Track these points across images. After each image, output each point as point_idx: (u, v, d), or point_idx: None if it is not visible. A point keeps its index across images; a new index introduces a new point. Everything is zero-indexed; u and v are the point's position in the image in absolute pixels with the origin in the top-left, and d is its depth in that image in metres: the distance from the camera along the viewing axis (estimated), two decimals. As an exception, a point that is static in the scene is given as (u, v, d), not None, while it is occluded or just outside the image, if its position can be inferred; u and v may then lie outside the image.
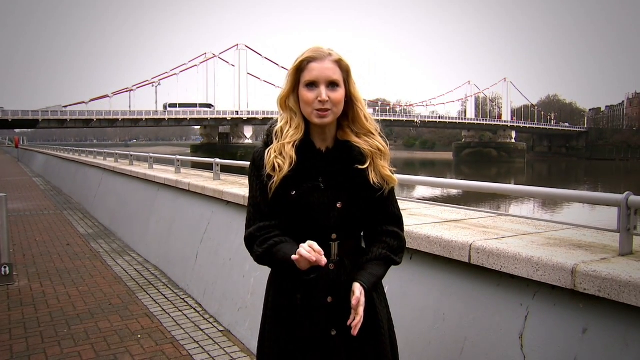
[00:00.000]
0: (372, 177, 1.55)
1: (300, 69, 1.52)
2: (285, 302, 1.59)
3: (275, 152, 1.54)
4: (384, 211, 1.63)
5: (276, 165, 1.52)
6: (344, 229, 1.56)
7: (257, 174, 1.58)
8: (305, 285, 1.54)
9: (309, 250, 1.38)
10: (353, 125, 1.58)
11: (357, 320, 1.45)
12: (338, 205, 1.53)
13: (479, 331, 2.08)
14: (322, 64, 1.50)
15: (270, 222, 1.56)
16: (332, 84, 1.50)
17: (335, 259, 1.56)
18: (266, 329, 1.65)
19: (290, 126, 1.55)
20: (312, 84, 1.50)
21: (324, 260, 1.39)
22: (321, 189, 1.54)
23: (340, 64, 1.53)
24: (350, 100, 1.56)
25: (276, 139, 1.56)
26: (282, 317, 1.59)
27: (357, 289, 1.48)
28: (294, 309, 1.56)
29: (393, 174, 1.61)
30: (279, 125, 1.57)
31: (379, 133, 1.62)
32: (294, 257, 1.40)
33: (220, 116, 75.73)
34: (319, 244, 1.52)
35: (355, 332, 1.45)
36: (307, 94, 1.50)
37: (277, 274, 1.65)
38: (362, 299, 1.47)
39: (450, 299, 2.24)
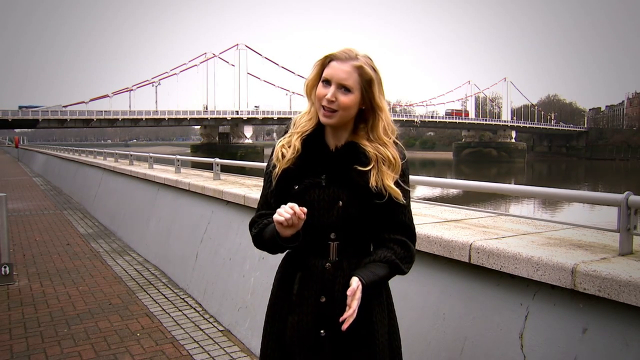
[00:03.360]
0: (373, 182, 1.51)
1: (323, 64, 1.54)
2: (283, 295, 1.61)
3: (283, 142, 1.58)
4: (392, 219, 1.56)
5: (280, 154, 1.55)
6: (344, 229, 1.54)
7: (268, 165, 1.63)
8: (300, 281, 1.56)
9: (280, 212, 1.42)
10: (370, 132, 1.57)
11: (348, 314, 1.41)
12: (339, 204, 1.52)
13: (479, 331, 2.08)
14: (341, 65, 1.50)
15: (273, 211, 1.55)
16: (344, 88, 1.49)
17: (334, 259, 1.54)
18: (265, 322, 1.68)
19: (306, 117, 1.59)
20: (327, 82, 1.51)
21: (301, 214, 1.42)
22: (322, 186, 1.54)
23: (361, 71, 1.50)
24: (372, 108, 1.54)
25: (293, 127, 1.60)
26: (278, 311, 1.61)
27: (355, 282, 1.45)
28: (288, 304, 1.58)
29: (400, 188, 1.53)
30: (301, 114, 1.62)
31: (396, 146, 1.57)
32: (274, 216, 1.43)
33: (220, 116, 75.75)
34: (318, 243, 1.54)
35: (345, 327, 1.41)
36: (320, 89, 1.52)
37: (280, 269, 1.67)
38: (359, 293, 1.44)
39: (450, 299, 2.24)
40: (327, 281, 1.54)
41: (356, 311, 1.43)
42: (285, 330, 1.57)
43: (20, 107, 64.32)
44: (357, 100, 1.52)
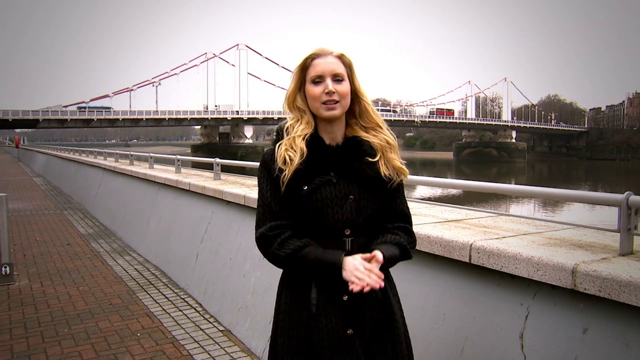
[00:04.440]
0: (384, 170, 1.57)
1: (305, 67, 1.55)
2: (299, 302, 1.56)
3: (285, 145, 1.55)
4: (392, 208, 1.63)
5: (287, 158, 1.53)
6: (358, 223, 1.55)
7: (266, 174, 1.58)
8: (319, 283, 1.53)
9: (363, 273, 1.40)
10: (361, 120, 1.60)
11: (377, 281, 1.42)
12: (350, 198, 1.53)
13: (479, 331, 2.08)
14: (325, 59, 1.54)
15: (281, 221, 1.55)
16: (337, 77, 1.53)
17: None
18: (278, 333, 1.61)
19: (301, 123, 1.57)
20: (318, 79, 1.53)
21: (380, 282, 1.41)
22: (333, 183, 1.54)
23: (343, 59, 1.56)
24: (355, 95, 1.59)
25: (287, 134, 1.58)
26: (296, 318, 1.56)
27: (378, 253, 1.47)
28: (308, 308, 1.53)
29: (403, 165, 1.63)
30: (289, 122, 1.60)
31: (386, 127, 1.64)
32: (351, 286, 1.40)
33: (221, 116, 75.74)
34: (333, 241, 1.53)
35: (367, 289, 1.41)
36: (313, 89, 1.53)
37: (289, 273, 1.62)
38: (380, 258, 1.45)
39: (451, 299, 2.24)
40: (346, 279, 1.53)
41: (382, 278, 1.44)
42: (308, 337, 1.53)
43: (79, 108, 67.27)
44: (349, 88, 1.56)
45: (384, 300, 1.57)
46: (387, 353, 1.56)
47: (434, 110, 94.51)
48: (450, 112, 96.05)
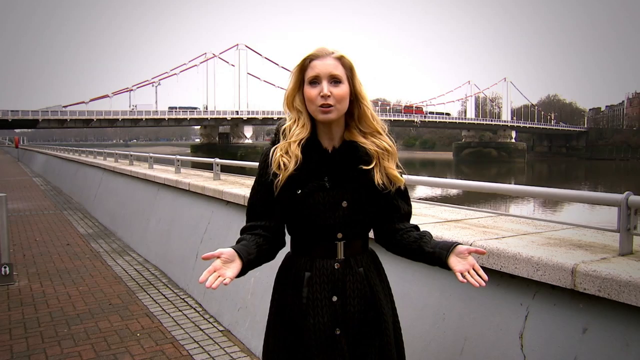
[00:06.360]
0: (377, 178, 1.55)
1: (303, 67, 1.53)
2: (290, 300, 1.59)
3: (281, 150, 1.55)
4: (397, 209, 1.63)
5: (281, 163, 1.53)
6: (350, 228, 1.56)
7: (260, 173, 1.61)
8: (310, 283, 1.55)
9: (209, 270, 1.43)
10: (359, 124, 1.58)
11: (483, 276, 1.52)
12: (343, 204, 1.54)
13: (479, 331, 2.08)
14: (324, 60, 1.51)
15: (259, 222, 1.61)
16: (334, 80, 1.50)
17: (341, 259, 1.57)
18: (271, 327, 1.66)
19: (297, 125, 1.55)
20: (315, 80, 1.51)
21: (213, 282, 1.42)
22: (326, 188, 1.54)
23: (343, 61, 1.53)
24: (355, 98, 1.56)
25: (283, 137, 1.57)
26: (287, 316, 1.59)
27: (464, 245, 1.54)
28: (298, 307, 1.56)
29: (400, 174, 1.61)
30: (287, 124, 1.59)
31: (386, 133, 1.62)
32: (200, 278, 1.41)
33: (220, 116, 75.75)
34: (325, 243, 1.55)
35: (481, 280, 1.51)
36: (310, 91, 1.51)
37: (284, 271, 1.66)
38: (482, 250, 1.54)
39: (450, 299, 2.24)
40: (337, 281, 1.56)
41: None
42: (297, 334, 1.56)
43: (170, 108, 71.59)
44: (348, 90, 1.53)
45: (373, 301, 1.58)
46: (373, 352, 1.57)
47: (401, 108, 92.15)
48: (419, 111, 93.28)
